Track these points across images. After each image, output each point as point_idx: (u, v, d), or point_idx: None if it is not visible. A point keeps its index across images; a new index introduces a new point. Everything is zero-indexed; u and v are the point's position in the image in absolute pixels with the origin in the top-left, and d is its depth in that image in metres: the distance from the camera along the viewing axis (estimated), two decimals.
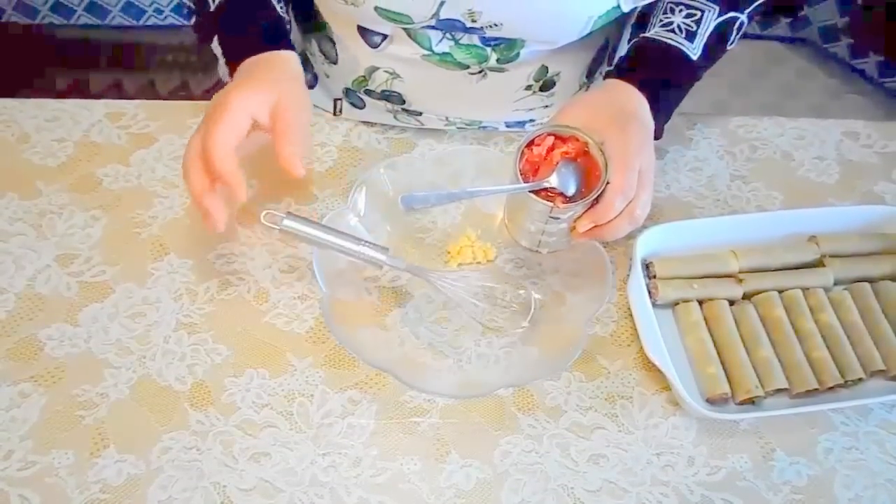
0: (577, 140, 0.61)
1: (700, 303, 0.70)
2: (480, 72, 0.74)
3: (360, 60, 0.76)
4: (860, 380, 0.66)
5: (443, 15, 0.66)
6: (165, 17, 1.92)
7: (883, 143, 0.86)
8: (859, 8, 1.88)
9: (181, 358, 0.66)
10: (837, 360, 0.66)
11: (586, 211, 0.60)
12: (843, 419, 0.66)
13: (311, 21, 0.78)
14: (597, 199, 0.59)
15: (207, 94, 1.84)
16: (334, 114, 0.85)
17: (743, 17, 0.69)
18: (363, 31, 0.73)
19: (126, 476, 0.60)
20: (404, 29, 0.70)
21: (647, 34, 0.68)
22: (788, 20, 2.00)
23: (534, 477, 0.62)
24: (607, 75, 0.69)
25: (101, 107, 0.81)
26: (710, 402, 0.65)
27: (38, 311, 0.68)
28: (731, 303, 0.70)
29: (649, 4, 0.70)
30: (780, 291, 0.70)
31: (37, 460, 0.60)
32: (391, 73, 0.76)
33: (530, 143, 0.61)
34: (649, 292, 0.69)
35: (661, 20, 0.68)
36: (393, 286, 0.71)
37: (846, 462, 0.64)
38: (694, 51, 0.67)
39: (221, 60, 0.67)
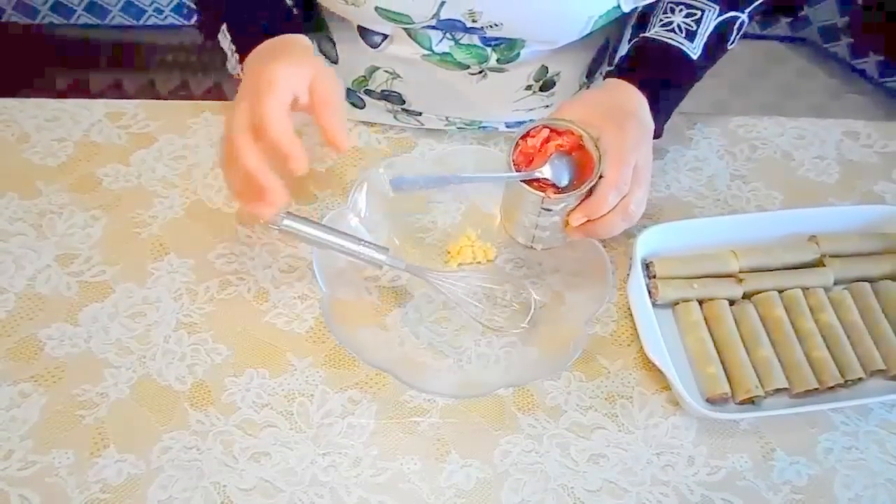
0: (573, 134, 0.61)
1: (700, 302, 0.70)
2: (480, 72, 0.75)
3: (360, 60, 0.76)
4: (860, 379, 0.66)
5: (443, 15, 0.66)
6: (165, 17, 1.91)
7: (883, 142, 0.86)
8: (859, 8, 1.88)
9: (181, 358, 0.66)
10: (837, 360, 0.66)
11: (579, 204, 0.60)
12: (843, 419, 0.66)
13: (311, 21, 0.78)
14: (590, 194, 0.59)
15: (208, 94, 1.85)
16: None
17: (743, 17, 0.69)
18: (363, 32, 0.73)
19: (126, 476, 0.60)
20: (404, 29, 0.70)
21: (646, 34, 0.68)
22: (788, 20, 2.00)
23: (534, 477, 0.62)
24: (607, 75, 0.69)
25: (101, 107, 0.81)
26: (710, 401, 0.65)
27: (38, 311, 0.68)
28: (731, 303, 0.70)
29: (650, 5, 0.70)
30: (780, 291, 0.70)
31: (37, 460, 0.60)
32: (391, 74, 0.76)
33: (525, 135, 0.61)
34: (649, 292, 0.69)
35: (660, 20, 0.68)
36: (393, 286, 0.71)
37: (846, 462, 0.64)
38: (694, 50, 0.67)
39: (231, 52, 0.65)
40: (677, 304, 0.70)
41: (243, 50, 0.62)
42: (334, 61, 0.79)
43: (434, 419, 0.64)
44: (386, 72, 0.76)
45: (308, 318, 0.69)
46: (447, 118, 0.81)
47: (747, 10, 0.69)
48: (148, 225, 0.73)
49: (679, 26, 0.67)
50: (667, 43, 0.67)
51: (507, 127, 0.83)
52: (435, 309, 0.70)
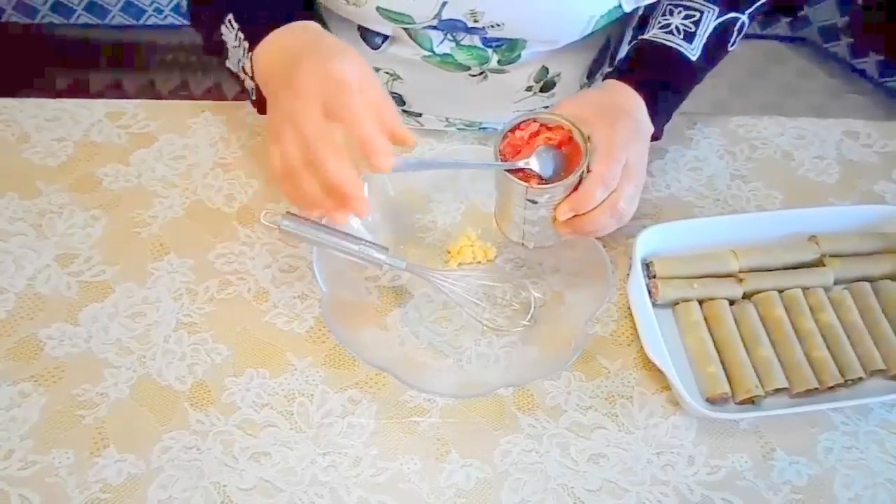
0: (563, 129, 0.61)
1: (700, 302, 0.70)
2: (481, 73, 0.74)
3: None
4: (860, 379, 0.66)
5: (445, 15, 0.66)
6: (165, 17, 1.91)
7: (883, 142, 0.86)
8: (859, 8, 1.88)
9: (181, 357, 0.66)
10: (837, 360, 0.66)
11: (566, 198, 0.60)
12: (843, 419, 0.66)
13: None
14: (578, 188, 0.59)
15: (208, 94, 1.85)
16: None
17: (744, 18, 0.69)
18: (364, 32, 0.73)
19: (126, 475, 0.60)
20: (405, 29, 0.70)
21: (644, 36, 0.68)
22: (788, 20, 2.00)
23: (534, 476, 0.62)
24: (606, 76, 0.69)
25: (101, 106, 0.81)
26: (710, 401, 0.65)
27: (38, 311, 0.68)
28: (731, 302, 0.70)
29: (651, 6, 0.70)
30: (780, 291, 0.70)
31: (37, 460, 0.60)
32: (391, 75, 0.76)
33: (515, 128, 0.61)
34: (649, 292, 0.69)
35: (659, 22, 0.68)
36: (393, 286, 0.71)
37: (846, 461, 0.64)
38: (693, 52, 0.66)
39: (234, 46, 0.62)
40: (677, 303, 0.70)
41: (254, 40, 0.60)
42: None
43: (434, 419, 0.64)
44: (386, 73, 0.76)
45: (308, 318, 0.69)
46: (447, 119, 0.81)
47: (748, 11, 0.69)
48: (148, 225, 0.73)
49: (677, 28, 0.67)
50: (665, 45, 0.67)
51: None
52: (435, 309, 0.70)
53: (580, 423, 0.64)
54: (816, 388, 0.65)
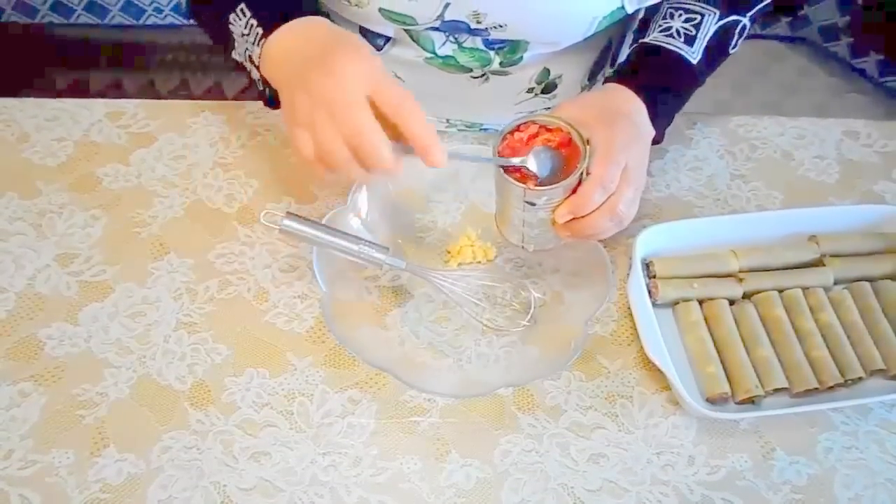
0: (562, 131, 0.61)
1: (700, 302, 0.70)
2: (483, 75, 0.74)
3: None
4: (860, 379, 0.66)
5: (448, 16, 0.66)
6: (165, 17, 1.91)
7: (883, 142, 0.86)
8: (859, 7, 1.88)
9: (181, 357, 0.66)
10: (837, 360, 0.66)
11: (565, 200, 0.60)
12: (843, 418, 0.66)
13: None
14: (577, 191, 0.59)
15: (207, 94, 1.85)
16: None
17: (745, 21, 0.69)
18: (365, 34, 0.73)
19: (126, 475, 0.60)
20: (407, 31, 0.70)
21: (645, 39, 0.68)
22: (788, 19, 2.00)
23: (534, 476, 0.62)
24: (607, 79, 0.69)
25: (100, 106, 0.81)
26: (710, 401, 0.65)
27: (38, 311, 0.68)
28: (731, 302, 0.70)
29: (652, 8, 0.70)
30: (780, 291, 0.70)
31: (37, 460, 0.60)
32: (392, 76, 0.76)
33: (514, 129, 0.61)
34: (649, 292, 0.69)
35: (660, 25, 0.68)
36: (393, 286, 0.71)
37: (846, 461, 0.64)
38: (693, 55, 0.66)
39: (244, 35, 0.62)
40: (677, 303, 0.70)
41: (268, 26, 0.59)
42: None
43: (434, 419, 0.64)
44: None
45: (308, 318, 0.69)
46: (448, 120, 0.81)
47: (749, 14, 0.69)
48: (148, 225, 0.73)
49: (678, 31, 0.67)
50: (665, 48, 0.66)
51: None
52: (435, 309, 0.70)
53: (580, 422, 0.64)
54: (816, 388, 0.65)
